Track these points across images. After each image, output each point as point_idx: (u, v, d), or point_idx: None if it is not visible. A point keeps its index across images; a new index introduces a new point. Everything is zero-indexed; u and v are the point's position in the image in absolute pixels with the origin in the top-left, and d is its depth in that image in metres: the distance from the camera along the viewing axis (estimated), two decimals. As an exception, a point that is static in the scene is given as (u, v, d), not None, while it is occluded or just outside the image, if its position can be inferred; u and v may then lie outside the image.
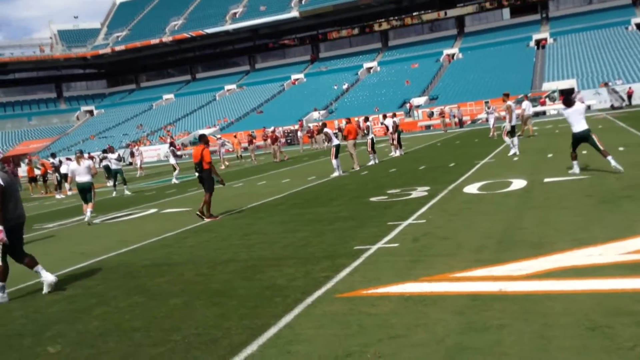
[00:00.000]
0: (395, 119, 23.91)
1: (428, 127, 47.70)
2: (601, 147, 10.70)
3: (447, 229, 7.63)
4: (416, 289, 5.27)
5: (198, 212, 11.19)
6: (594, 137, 10.85)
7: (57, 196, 22.60)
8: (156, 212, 13.86)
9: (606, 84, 45.07)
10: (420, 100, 51.84)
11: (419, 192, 11.49)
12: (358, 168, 18.31)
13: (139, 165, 34.12)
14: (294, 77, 74.40)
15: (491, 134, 25.58)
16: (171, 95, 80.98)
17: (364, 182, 14.73)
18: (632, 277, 4.89)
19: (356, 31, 77.41)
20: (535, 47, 62.89)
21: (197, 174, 11.27)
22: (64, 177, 23.57)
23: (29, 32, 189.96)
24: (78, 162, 13.31)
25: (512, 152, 16.72)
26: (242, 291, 5.96)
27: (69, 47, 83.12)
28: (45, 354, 4.77)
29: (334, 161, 17.18)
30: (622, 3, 67.03)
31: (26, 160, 36.22)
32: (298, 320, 4.85)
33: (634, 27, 60.52)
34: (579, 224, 7.00)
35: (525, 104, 24.63)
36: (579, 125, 10.65)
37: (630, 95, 42.96)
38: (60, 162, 24.60)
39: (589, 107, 44.26)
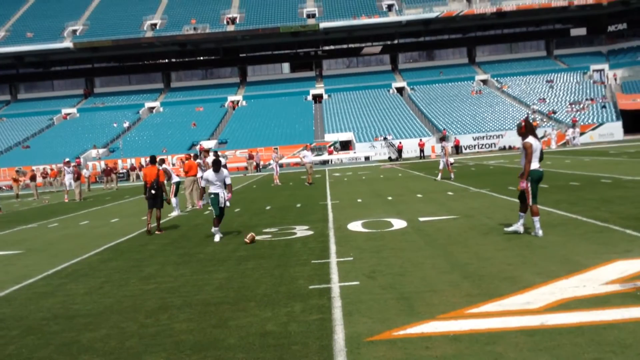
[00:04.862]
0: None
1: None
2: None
3: (390, 266, 7.38)
4: (452, 327, 4.91)
5: (157, 231, 12.25)
6: None
7: None
8: (-29, 255, 11.20)
9: (385, 139, 49.83)
10: (210, 144, 51.39)
11: (302, 230, 11.10)
12: (195, 207, 17.19)
13: None
14: (65, 111, 68.27)
15: (275, 182, 26.13)
16: None
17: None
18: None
19: (136, 69, 74.54)
20: (313, 101, 67.24)
21: (153, 191, 12.13)
22: None
23: None
24: None
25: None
26: (233, 341, 4.97)
27: None
28: None
29: (173, 199, 15.89)
30: (383, 69, 75.71)
31: None
32: (359, 370, 4.15)
33: (395, 91, 68.59)
34: (523, 258, 7.26)
35: (304, 153, 26.04)
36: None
37: (400, 150, 48.06)
38: None
39: (368, 158, 48.45)
